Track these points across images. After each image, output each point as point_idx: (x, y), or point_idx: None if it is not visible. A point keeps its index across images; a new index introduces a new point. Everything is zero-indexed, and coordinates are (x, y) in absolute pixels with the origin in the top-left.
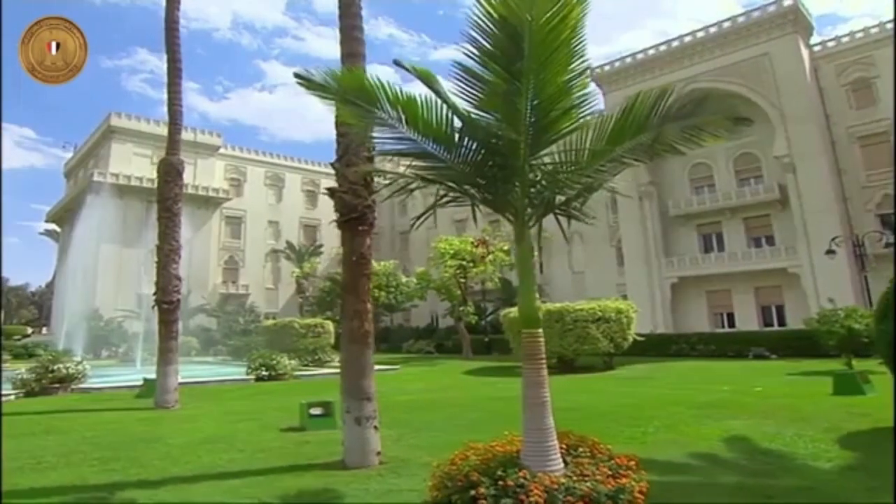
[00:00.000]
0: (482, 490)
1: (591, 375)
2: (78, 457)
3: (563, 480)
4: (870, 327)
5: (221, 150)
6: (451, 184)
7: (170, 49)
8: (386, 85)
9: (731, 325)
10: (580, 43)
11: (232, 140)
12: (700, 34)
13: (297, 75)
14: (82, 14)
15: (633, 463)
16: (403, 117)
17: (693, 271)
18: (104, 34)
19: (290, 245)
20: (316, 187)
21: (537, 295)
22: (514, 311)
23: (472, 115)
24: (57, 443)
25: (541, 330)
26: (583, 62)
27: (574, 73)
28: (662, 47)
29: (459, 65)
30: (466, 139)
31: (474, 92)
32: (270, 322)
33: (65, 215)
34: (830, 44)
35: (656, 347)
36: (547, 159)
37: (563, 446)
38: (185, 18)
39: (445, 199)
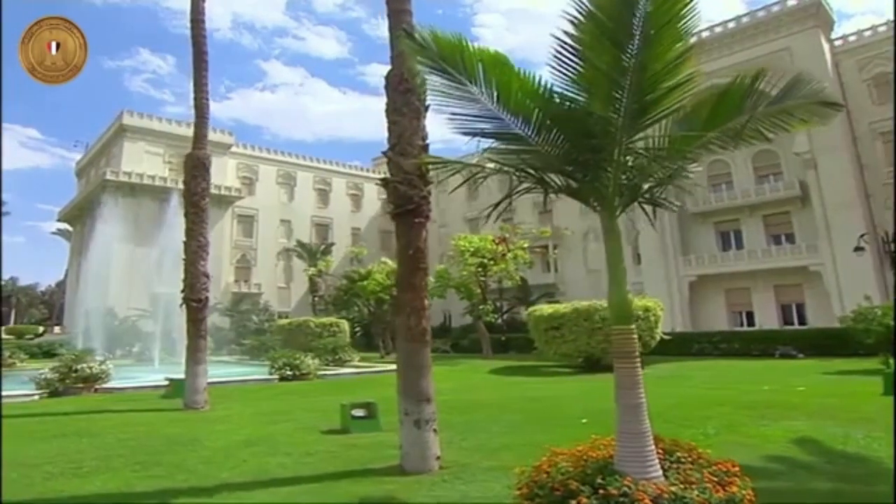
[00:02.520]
0: (583, 500)
1: None
2: (118, 461)
3: (671, 488)
4: None
5: (233, 149)
6: (531, 171)
7: (196, 42)
8: (487, 50)
9: (751, 323)
10: (693, 16)
11: (235, 139)
12: (718, 30)
13: (404, 31)
14: (83, 14)
15: (736, 469)
16: (496, 92)
17: (712, 269)
18: (106, 35)
19: (301, 244)
20: (328, 186)
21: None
22: (540, 310)
23: (567, 94)
24: (92, 446)
25: (634, 326)
26: (691, 38)
27: (683, 50)
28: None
29: (558, 38)
30: (560, 120)
31: (573, 67)
32: (285, 321)
33: (77, 214)
34: (852, 38)
35: (678, 346)
36: (639, 144)
37: (659, 451)
38: (185, 19)
39: (522, 188)
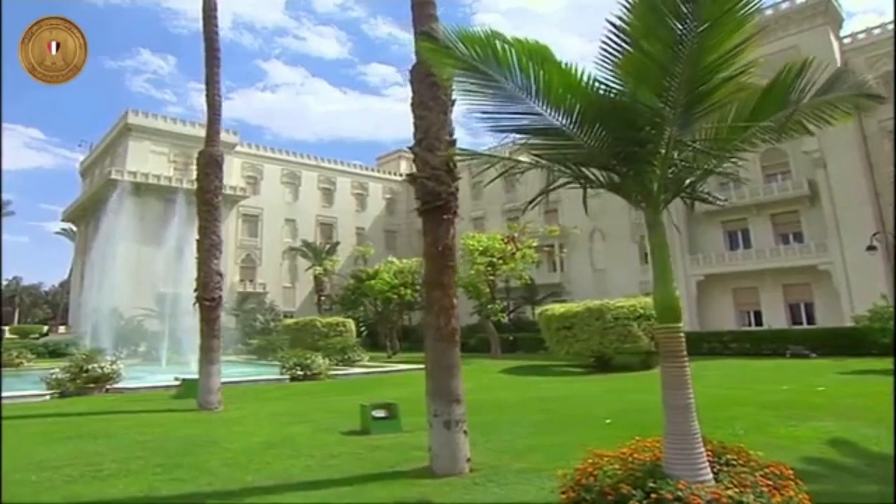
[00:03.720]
0: None
1: (635, 374)
2: (137, 463)
3: (727, 492)
4: None
5: (238, 148)
6: (570, 166)
7: (208, 38)
8: (524, 42)
9: (759, 323)
10: (755, 3)
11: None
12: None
13: (424, 34)
14: (84, 15)
15: (789, 472)
16: (535, 86)
17: (719, 269)
18: (106, 35)
19: (307, 243)
20: (332, 185)
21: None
22: (551, 309)
23: (613, 85)
24: (110, 447)
25: (681, 324)
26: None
27: (742, 39)
28: None
29: (610, 23)
30: (605, 113)
31: (622, 56)
32: (292, 321)
33: (81, 214)
34: (861, 36)
35: (688, 346)
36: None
37: (708, 453)
38: (185, 19)
39: (558, 184)
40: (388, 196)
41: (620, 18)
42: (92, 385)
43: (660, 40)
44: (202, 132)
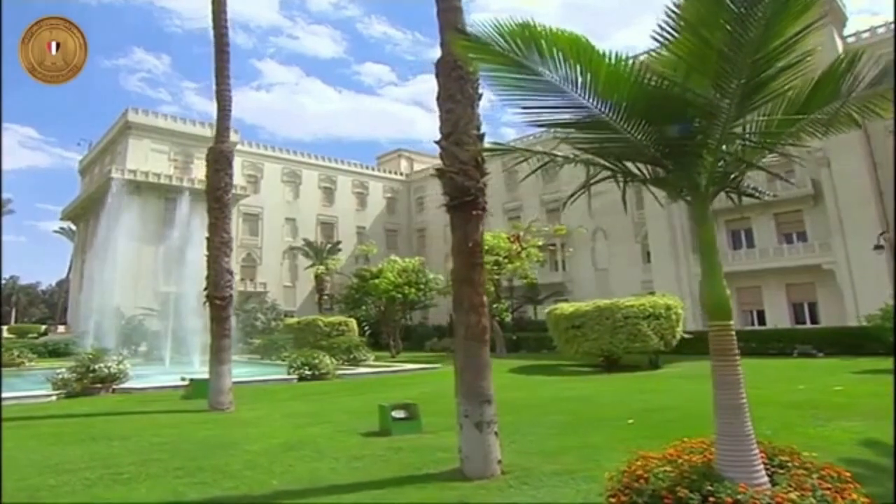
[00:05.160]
0: None
1: (644, 374)
2: (156, 466)
3: (790, 495)
4: None
5: (238, 147)
6: (612, 160)
7: (217, 33)
8: (564, 34)
9: (762, 322)
10: None
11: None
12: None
13: (458, 31)
14: (78, 14)
15: (847, 474)
16: (581, 78)
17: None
18: (101, 34)
19: (308, 242)
20: (333, 184)
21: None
22: (560, 308)
23: (665, 75)
24: (126, 449)
25: (732, 322)
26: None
27: (806, 24)
28: None
29: (668, 9)
30: (655, 104)
31: (679, 45)
32: (294, 320)
33: (81, 213)
34: (865, 35)
35: (693, 345)
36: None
37: (761, 454)
38: (179, 18)
39: (599, 178)
40: (388, 195)
41: (677, 5)
42: (98, 385)
43: (720, 27)
44: (203, 131)
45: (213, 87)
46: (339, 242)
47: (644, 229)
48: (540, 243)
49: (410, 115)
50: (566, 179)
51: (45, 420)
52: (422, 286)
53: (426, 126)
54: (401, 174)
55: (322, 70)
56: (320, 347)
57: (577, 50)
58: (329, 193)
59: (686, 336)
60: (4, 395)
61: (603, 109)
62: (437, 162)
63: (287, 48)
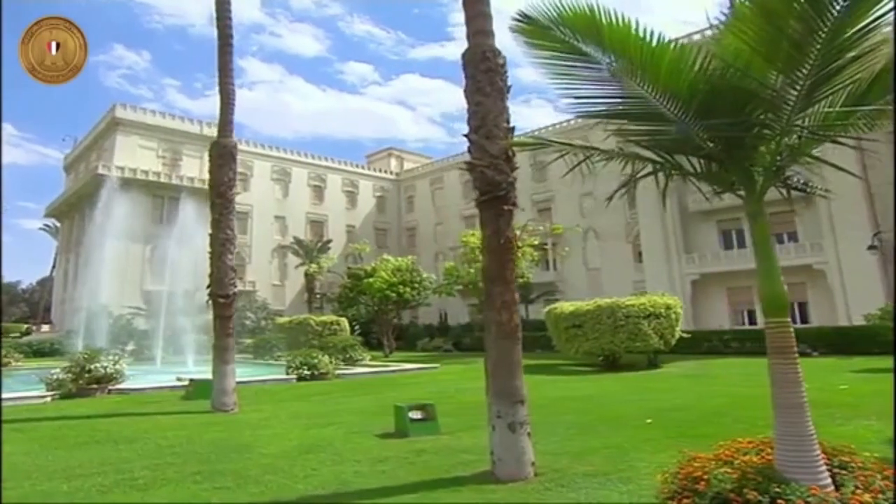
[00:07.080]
0: None
1: (644, 373)
2: (170, 470)
3: (865, 497)
4: None
5: None
6: (662, 153)
7: (220, 25)
8: (619, 24)
9: (753, 322)
10: None
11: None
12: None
13: (521, 15)
14: (55, 9)
15: None
16: (641, 67)
17: (714, 268)
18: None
19: (298, 241)
20: (322, 182)
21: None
22: (560, 307)
23: (731, 66)
24: (135, 453)
25: (789, 319)
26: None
27: (879, 14)
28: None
29: None
30: (719, 96)
31: (750, 34)
32: (285, 319)
33: (66, 210)
34: None
35: (689, 344)
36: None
37: (823, 455)
38: (158, 14)
39: (644, 173)
40: (378, 194)
41: None
42: (94, 386)
43: (795, 14)
44: (192, 128)
45: (217, 81)
46: (329, 241)
47: (636, 229)
48: (535, 242)
49: (393, 115)
50: (555, 178)
51: (42, 422)
52: (416, 285)
53: (409, 125)
54: (391, 173)
55: (305, 68)
56: (313, 347)
57: (640, 37)
58: (319, 192)
59: (684, 335)
60: None
61: (661, 100)
62: (427, 161)
63: (269, 46)
